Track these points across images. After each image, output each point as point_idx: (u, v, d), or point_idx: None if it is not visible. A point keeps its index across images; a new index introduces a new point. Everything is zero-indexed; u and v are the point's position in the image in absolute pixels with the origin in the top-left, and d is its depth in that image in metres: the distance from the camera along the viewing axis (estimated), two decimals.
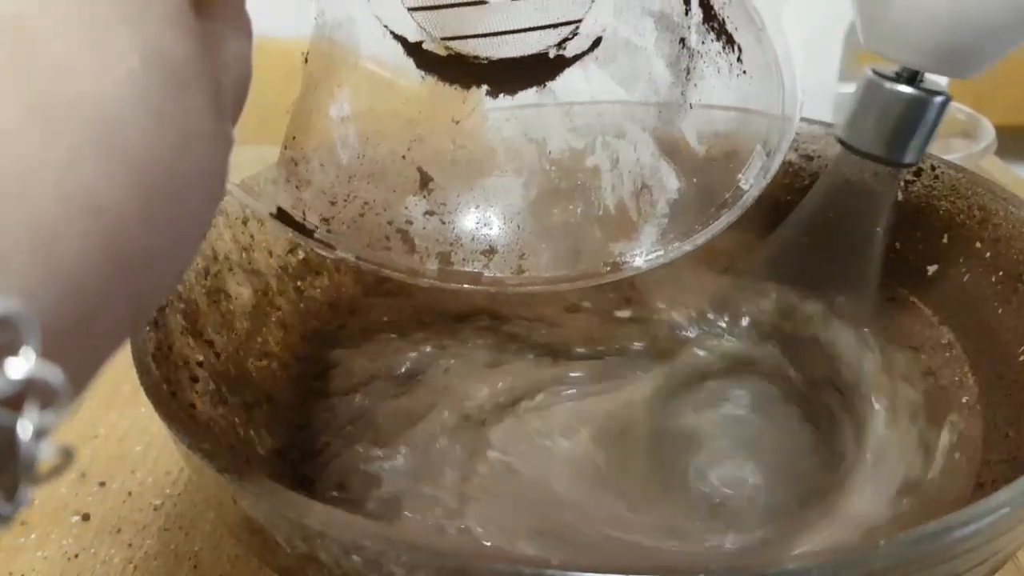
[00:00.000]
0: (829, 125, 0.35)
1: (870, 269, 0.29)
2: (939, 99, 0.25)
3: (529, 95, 0.29)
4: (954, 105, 0.52)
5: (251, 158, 0.48)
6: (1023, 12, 0.22)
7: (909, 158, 0.26)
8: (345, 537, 0.16)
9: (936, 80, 0.26)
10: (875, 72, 0.25)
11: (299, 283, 0.33)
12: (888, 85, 0.24)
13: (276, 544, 0.18)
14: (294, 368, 0.30)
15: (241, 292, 0.30)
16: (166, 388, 0.21)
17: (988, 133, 0.49)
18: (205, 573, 0.27)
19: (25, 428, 0.11)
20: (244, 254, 0.31)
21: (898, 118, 0.25)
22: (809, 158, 0.35)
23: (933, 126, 0.25)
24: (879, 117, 0.25)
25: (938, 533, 0.16)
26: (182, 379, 0.24)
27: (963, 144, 0.50)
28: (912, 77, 0.25)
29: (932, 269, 0.30)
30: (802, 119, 0.35)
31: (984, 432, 0.25)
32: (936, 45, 0.23)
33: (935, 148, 0.32)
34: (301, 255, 0.33)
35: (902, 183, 0.32)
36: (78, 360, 0.12)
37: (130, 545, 0.29)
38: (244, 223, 0.31)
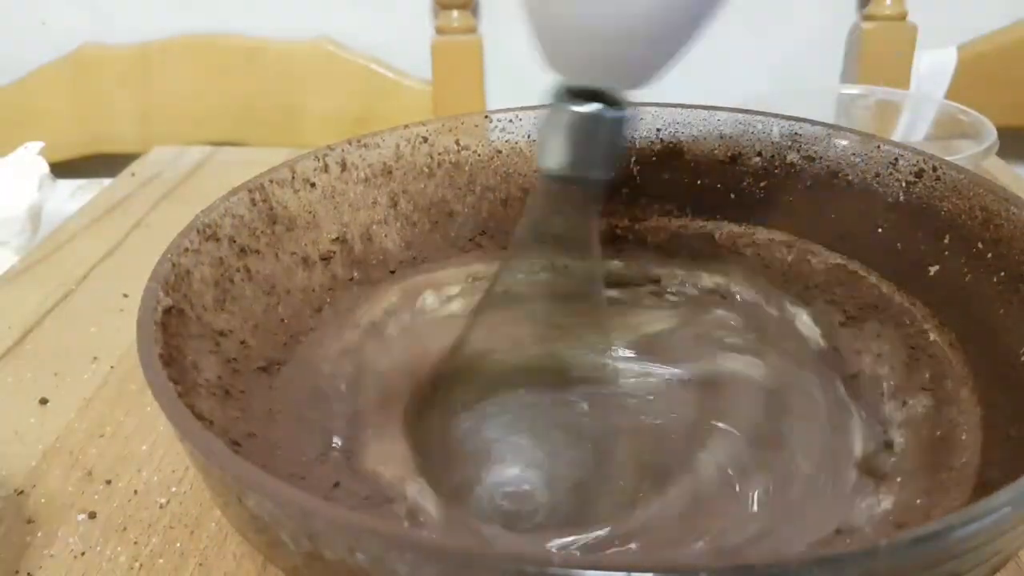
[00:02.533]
0: (832, 126, 0.35)
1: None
2: (615, 113, 0.25)
3: None
4: (956, 106, 0.52)
5: (253, 159, 0.48)
6: (667, 18, 0.22)
7: (596, 173, 0.26)
8: (350, 535, 0.16)
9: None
10: (559, 91, 0.25)
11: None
12: (566, 104, 0.25)
13: (281, 542, 0.18)
14: None
15: (250, 294, 0.30)
16: (173, 388, 0.21)
17: (990, 134, 0.49)
18: (211, 571, 0.28)
19: None
20: (254, 255, 0.31)
21: (575, 135, 0.25)
22: (811, 159, 0.35)
23: (615, 140, 0.25)
24: (559, 136, 0.25)
25: (939, 533, 0.16)
26: (189, 379, 0.24)
27: (965, 145, 0.50)
28: (593, 95, 0.24)
29: (933, 270, 0.30)
30: (804, 120, 0.35)
31: (985, 432, 0.25)
32: (593, 60, 0.23)
33: (938, 149, 0.32)
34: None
35: (904, 183, 0.32)
36: None
37: (136, 543, 0.29)
38: (254, 232, 0.31)
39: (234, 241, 0.30)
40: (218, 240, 0.30)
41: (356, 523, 0.16)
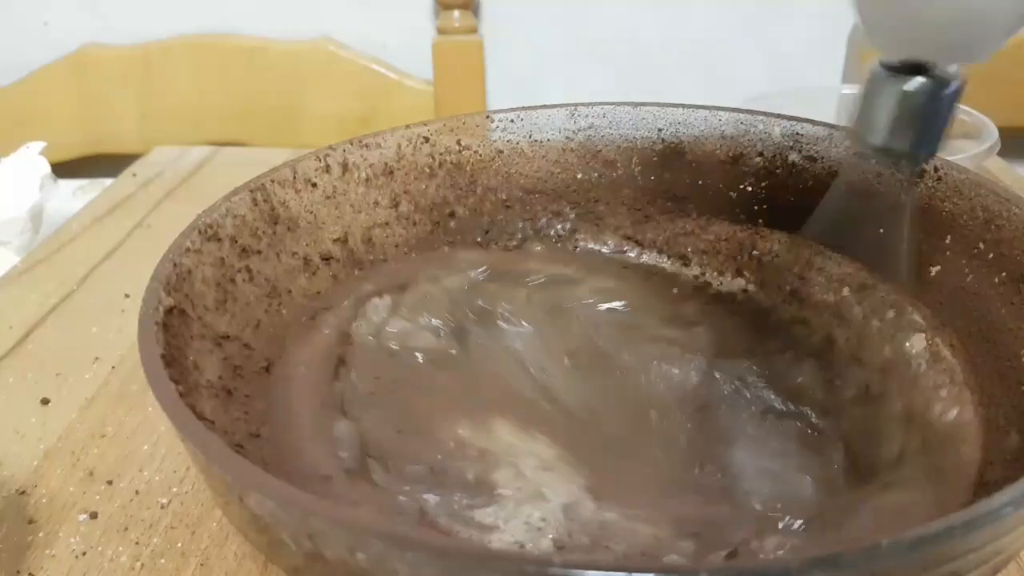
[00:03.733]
0: (833, 126, 0.35)
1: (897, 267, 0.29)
2: (951, 87, 0.24)
3: None
4: (959, 107, 0.52)
5: (254, 159, 0.49)
6: None
7: (926, 149, 0.26)
8: (351, 535, 0.16)
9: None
10: (882, 65, 0.25)
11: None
12: (895, 77, 0.24)
13: (282, 542, 0.18)
14: None
15: (251, 294, 0.30)
16: (174, 388, 0.21)
17: (992, 134, 0.49)
18: (212, 571, 0.28)
19: None
20: (255, 255, 0.31)
21: (910, 110, 0.24)
22: (813, 159, 0.35)
23: (947, 114, 0.25)
24: (891, 110, 0.25)
25: (940, 533, 0.16)
26: (190, 379, 0.24)
27: (967, 145, 0.50)
28: (918, 68, 0.24)
29: (934, 270, 0.30)
30: (805, 120, 0.35)
31: (986, 433, 0.25)
32: (938, 34, 0.23)
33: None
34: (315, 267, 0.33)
35: (906, 184, 0.32)
36: None
37: (137, 543, 0.29)
38: (255, 232, 0.31)
39: (235, 241, 0.30)
40: (219, 240, 0.30)
41: (357, 523, 0.16)
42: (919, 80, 0.24)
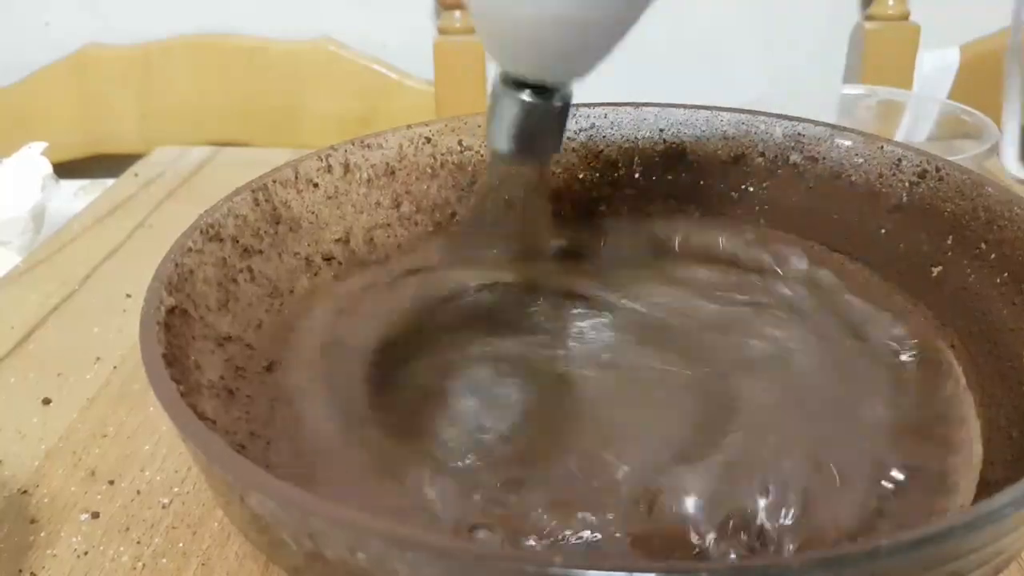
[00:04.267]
0: (834, 127, 0.35)
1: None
2: (558, 101, 0.26)
3: None
4: (959, 107, 0.52)
5: (255, 159, 0.49)
6: (591, 18, 0.24)
7: (544, 152, 0.28)
8: (351, 535, 0.16)
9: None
10: (501, 79, 0.27)
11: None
12: (512, 90, 0.26)
13: (283, 542, 0.18)
14: None
15: (253, 294, 0.30)
16: (175, 388, 0.21)
17: (993, 134, 0.49)
18: (213, 571, 0.28)
19: None
20: (257, 255, 0.31)
21: (524, 121, 0.27)
22: (814, 159, 0.35)
23: (560, 124, 0.27)
24: (509, 121, 0.27)
25: (941, 534, 0.16)
26: (192, 379, 0.25)
27: (968, 145, 0.50)
28: (534, 85, 0.26)
29: (936, 271, 0.30)
30: (806, 120, 0.35)
31: (987, 433, 0.25)
32: (528, 55, 0.25)
33: (940, 149, 0.32)
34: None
35: (907, 184, 0.32)
36: None
37: (139, 543, 0.29)
38: (257, 232, 0.31)
39: (237, 241, 0.30)
40: (221, 240, 0.30)
41: (357, 523, 0.16)
42: (526, 95, 0.26)
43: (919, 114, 0.57)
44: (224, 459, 0.19)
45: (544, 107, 0.26)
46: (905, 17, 0.79)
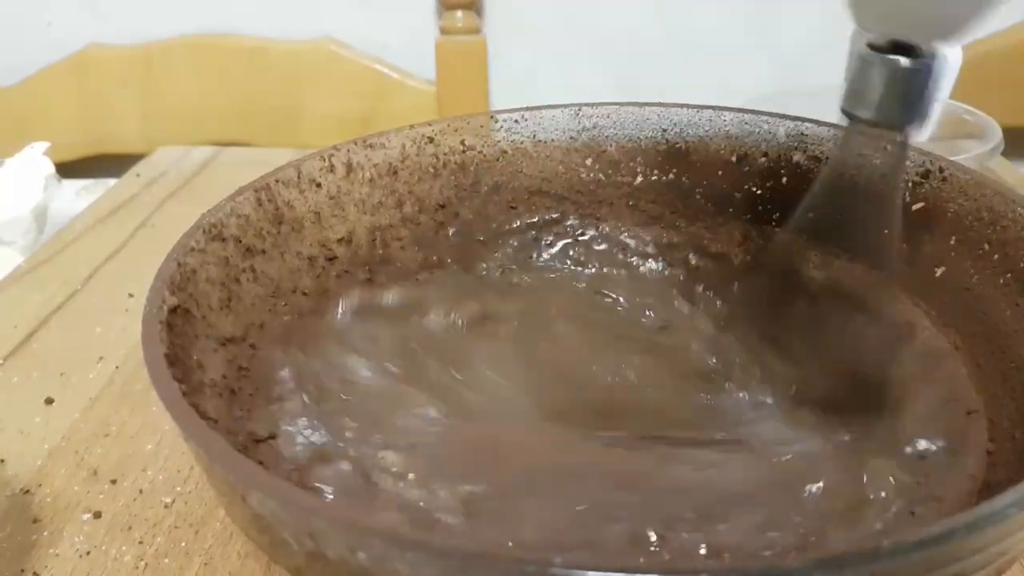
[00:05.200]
0: (838, 126, 0.35)
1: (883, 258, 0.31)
2: (932, 64, 0.26)
3: None
4: (961, 106, 0.52)
5: (257, 159, 0.49)
6: None
7: (913, 120, 0.27)
8: (351, 535, 0.16)
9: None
10: (869, 46, 0.27)
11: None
12: (876, 56, 0.26)
13: (284, 542, 0.18)
14: None
15: (255, 294, 0.30)
16: (177, 387, 0.21)
17: (996, 134, 0.49)
18: (215, 570, 0.28)
19: None
20: (260, 255, 0.31)
21: (896, 86, 0.26)
22: (818, 159, 0.35)
23: (932, 89, 0.27)
24: (878, 87, 0.26)
25: (943, 535, 0.16)
26: (194, 378, 0.24)
27: (971, 145, 0.50)
28: (902, 47, 0.26)
29: (939, 271, 0.30)
30: (809, 120, 0.35)
31: (990, 434, 0.25)
32: (914, 14, 0.25)
33: (943, 149, 0.32)
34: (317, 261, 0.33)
35: (910, 184, 0.32)
36: None
37: (141, 542, 0.29)
38: (259, 232, 0.31)
39: (240, 241, 0.30)
40: (224, 240, 0.30)
41: (358, 522, 0.16)
42: (902, 59, 0.26)
43: None
44: (225, 459, 0.19)
45: (915, 70, 0.26)
46: None
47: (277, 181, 0.32)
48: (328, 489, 0.24)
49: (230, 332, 0.28)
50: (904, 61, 0.26)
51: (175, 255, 0.27)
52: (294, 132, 0.84)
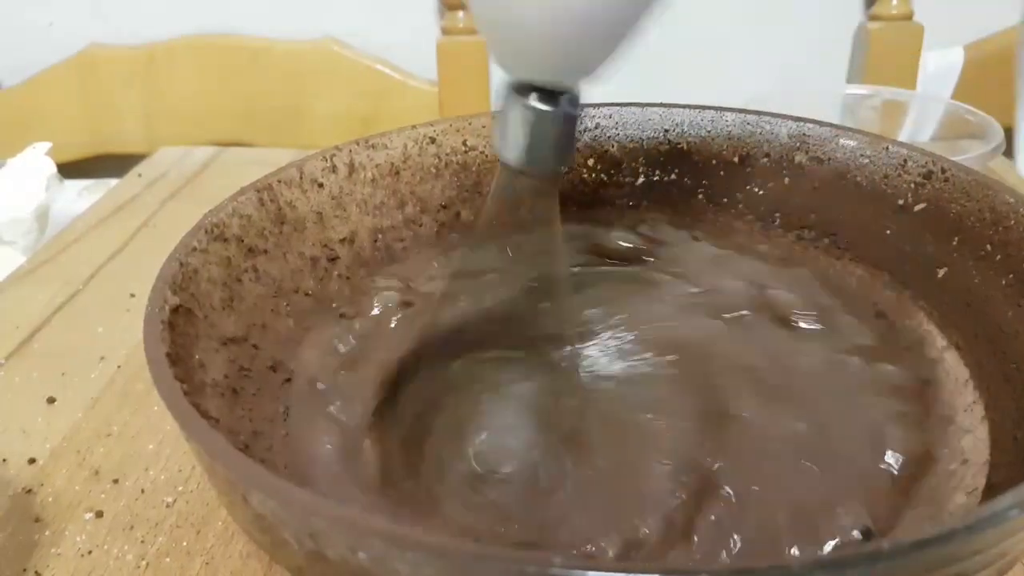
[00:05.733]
0: (839, 127, 0.35)
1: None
2: (567, 106, 0.25)
3: None
4: (963, 107, 0.52)
5: (259, 159, 0.49)
6: (597, 17, 0.23)
7: (555, 163, 0.26)
8: (352, 535, 0.16)
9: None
10: (510, 85, 0.26)
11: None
12: (519, 97, 0.25)
13: (285, 542, 0.18)
14: None
15: (258, 294, 0.30)
16: (179, 387, 0.22)
17: (997, 134, 0.49)
18: (217, 570, 0.28)
19: None
20: (262, 255, 0.31)
21: (529, 132, 0.25)
22: (819, 160, 0.35)
23: (571, 129, 0.26)
24: (519, 130, 0.25)
25: (944, 536, 0.16)
26: (196, 378, 0.25)
27: (972, 145, 0.50)
28: (542, 90, 0.25)
29: (942, 272, 0.30)
30: (811, 121, 0.35)
31: (991, 435, 0.25)
32: (531, 58, 0.24)
33: (944, 149, 0.32)
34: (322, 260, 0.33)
35: (912, 185, 0.32)
36: None
37: (143, 542, 0.29)
38: (261, 232, 0.31)
39: (242, 241, 0.30)
40: (226, 240, 0.30)
41: (358, 522, 0.16)
42: (535, 101, 0.25)
43: (923, 114, 0.57)
44: (227, 458, 0.19)
45: (554, 114, 0.25)
46: (909, 17, 0.79)
47: (279, 181, 0.32)
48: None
49: (232, 332, 0.28)
50: (536, 100, 0.25)
51: (177, 255, 0.27)
52: (296, 132, 0.84)
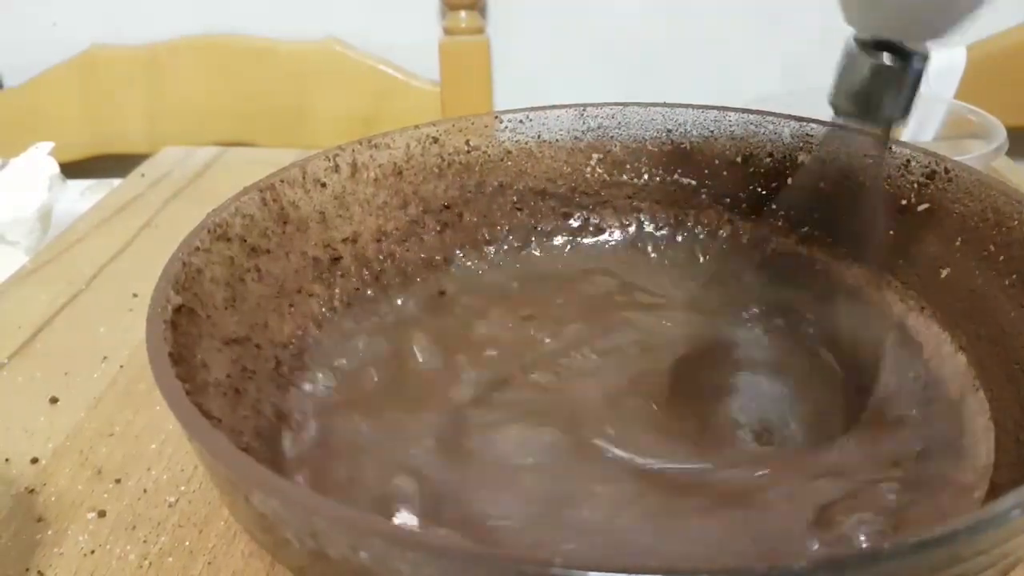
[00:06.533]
0: (843, 126, 0.35)
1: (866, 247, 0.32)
2: (917, 64, 0.26)
3: None
4: (966, 107, 0.52)
5: (262, 159, 0.49)
6: None
7: (896, 116, 0.28)
8: (353, 534, 0.16)
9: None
10: (856, 41, 0.27)
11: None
12: (863, 53, 0.27)
13: (287, 541, 0.18)
14: None
15: (260, 294, 0.30)
16: (181, 386, 0.22)
17: (1000, 134, 0.48)
18: (219, 569, 0.28)
19: None
20: (264, 255, 0.31)
21: (880, 83, 0.27)
22: (822, 160, 0.35)
23: (915, 87, 0.27)
24: (863, 84, 0.27)
25: (945, 537, 0.16)
26: (198, 378, 0.25)
27: (975, 145, 0.50)
28: (888, 44, 0.26)
29: (945, 272, 0.30)
30: (815, 120, 0.35)
31: (996, 436, 0.25)
32: (900, 13, 0.25)
33: (947, 149, 0.32)
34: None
35: (915, 185, 0.32)
36: None
37: (145, 541, 0.29)
38: (264, 232, 0.31)
39: (245, 241, 0.30)
40: (229, 240, 0.30)
41: (359, 522, 0.16)
42: (887, 56, 0.26)
43: (926, 114, 0.57)
44: (229, 458, 0.19)
45: (899, 69, 0.26)
46: None
47: (282, 181, 0.32)
48: None
49: (235, 332, 0.28)
50: (887, 58, 0.26)
51: (180, 254, 0.27)
52: (299, 132, 0.84)
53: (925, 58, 0.26)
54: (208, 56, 0.83)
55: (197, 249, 0.28)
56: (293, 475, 0.26)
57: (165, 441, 0.34)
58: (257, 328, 0.30)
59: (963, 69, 0.79)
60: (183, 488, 0.31)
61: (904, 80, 0.27)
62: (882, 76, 0.26)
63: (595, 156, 0.38)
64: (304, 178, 0.33)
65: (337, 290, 0.34)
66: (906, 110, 0.27)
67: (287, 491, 0.17)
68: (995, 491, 0.23)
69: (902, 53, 0.26)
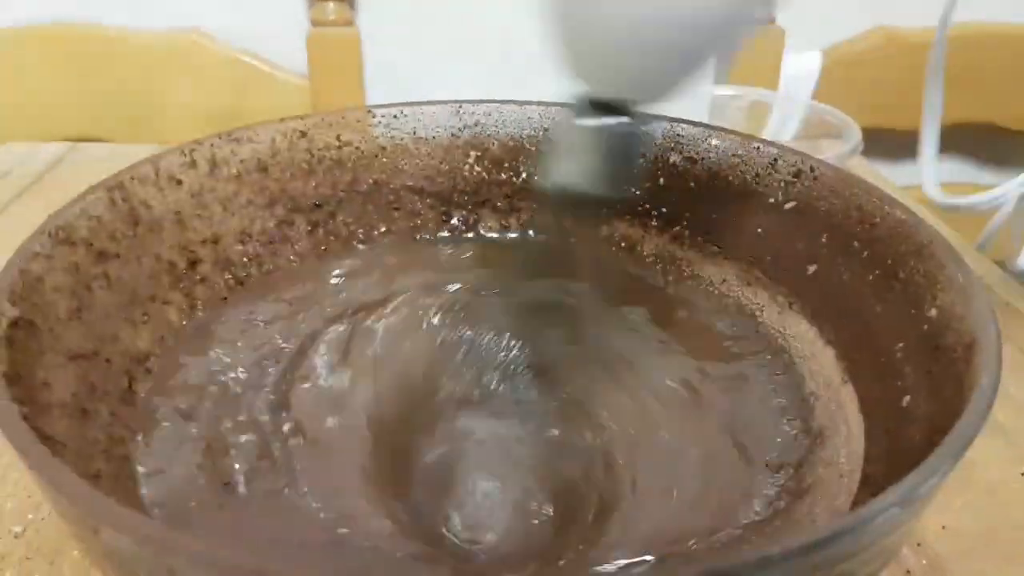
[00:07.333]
0: (711, 127, 0.35)
1: None
2: (646, 126, 0.25)
3: None
4: (823, 107, 0.54)
5: (114, 155, 0.45)
6: (694, 36, 0.23)
7: (607, 191, 0.26)
8: (212, 572, 0.15)
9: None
10: (578, 103, 0.25)
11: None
12: (578, 118, 0.25)
13: None
14: None
15: (110, 303, 0.28)
16: (18, 410, 0.19)
17: (855, 134, 0.51)
18: None
19: None
20: (114, 260, 0.29)
21: (601, 150, 0.25)
22: (692, 160, 0.35)
23: (625, 156, 0.25)
24: (572, 150, 0.25)
25: (832, 537, 0.16)
26: (40, 399, 0.22)
27: (832, 144, 0.52)
28: (608, 108, 0.25)
29: (812, 268, 0.31)
30: (684, 120, 0.36)
31: (864, 428, 0.26)
32: (612, 71, 0.24)
33: (806, 148, 0.33)
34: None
35: (782, 183, 0.33)
36: None
37: None
38: (113, 234, 0.29)
39: (91, 245, 0.28)
40: (73, 244, 0.27)
41: (219, 559, 0.15)
42: (597, 119, 0.25)
43: (786, 114, 0.59)
44: (74, 490, 0.17)
45: (630, 130, 0.24)
46: (771, 20, 0.81)
47: (132, 178, 0.30)
48: None
49: (81, 346, 0.26)
50: (612, 120, 0.25)
51: (16, 262, 0.25)
52: (155, 128, 0.80)
53: (639, 123, 0.25)
54: (56, 46, 0.78)
55: (36, 255, 0.25)
56: (151, 504, 0.24)
57: (9, 465, 0.31)
58: (107, 341, 0.27)
59: (819, 72, 0.83)
60: (31, 516, 0.29)
61: (634, 142, 0.25)
62: (614, 139, 0.25)
63: (473, 153, 0.38)
64: (157, 175, 0.31)
65: (196, 296, 0.32)
66: (625, 182, 0.26)
67: (140, 526, 0.16)
68: (868, 481, 0.24)
69: (626, 115, 0.25)
